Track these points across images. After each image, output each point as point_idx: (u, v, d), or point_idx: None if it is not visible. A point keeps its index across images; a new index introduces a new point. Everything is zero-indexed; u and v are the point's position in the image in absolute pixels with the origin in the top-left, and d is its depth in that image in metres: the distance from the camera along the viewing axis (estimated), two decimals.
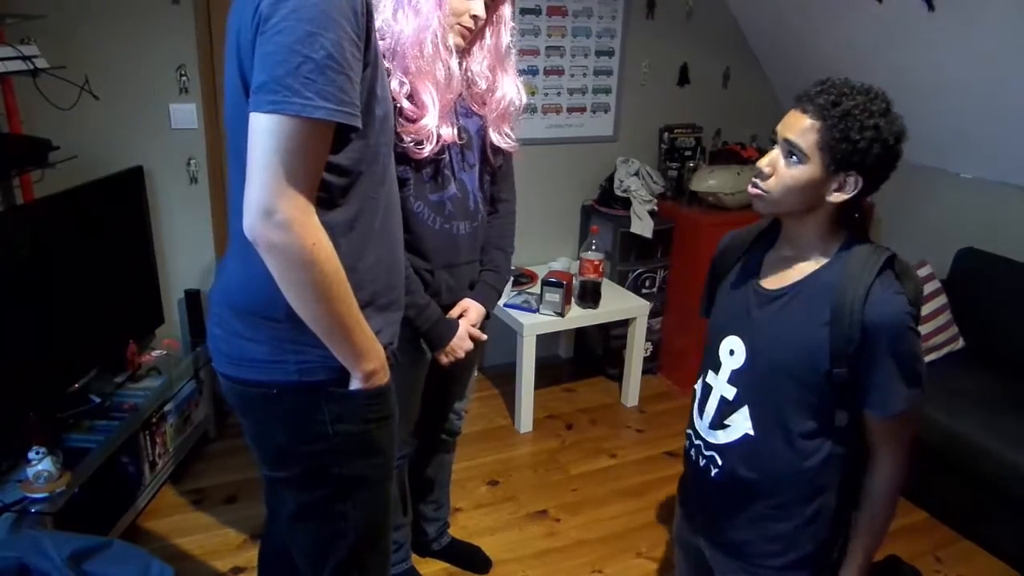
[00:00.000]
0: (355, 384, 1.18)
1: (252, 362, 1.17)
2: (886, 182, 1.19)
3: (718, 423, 1.32)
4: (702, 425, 1.35)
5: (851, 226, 1.23)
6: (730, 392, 1.30)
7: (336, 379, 1.18)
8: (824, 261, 1.21)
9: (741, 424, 1.28)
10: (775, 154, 1.19)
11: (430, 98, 1.50)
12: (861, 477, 1.26)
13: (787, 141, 1.16)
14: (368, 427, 1.24)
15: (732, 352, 1.30)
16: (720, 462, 1.31)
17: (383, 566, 1.40)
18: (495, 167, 1.75)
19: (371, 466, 1.27)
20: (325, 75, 0.99)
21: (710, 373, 1.35)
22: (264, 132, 0.99)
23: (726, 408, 1.30)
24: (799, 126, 1.14)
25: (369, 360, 1.17)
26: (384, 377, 1.21)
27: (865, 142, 1.10)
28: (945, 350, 2.82)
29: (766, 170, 1.19)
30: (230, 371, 1.21)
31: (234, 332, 1.19)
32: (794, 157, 1.16)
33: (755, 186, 1.21)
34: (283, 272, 1.06)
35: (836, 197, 1.17)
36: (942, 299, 2.84)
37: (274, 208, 1.00)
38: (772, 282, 1.27)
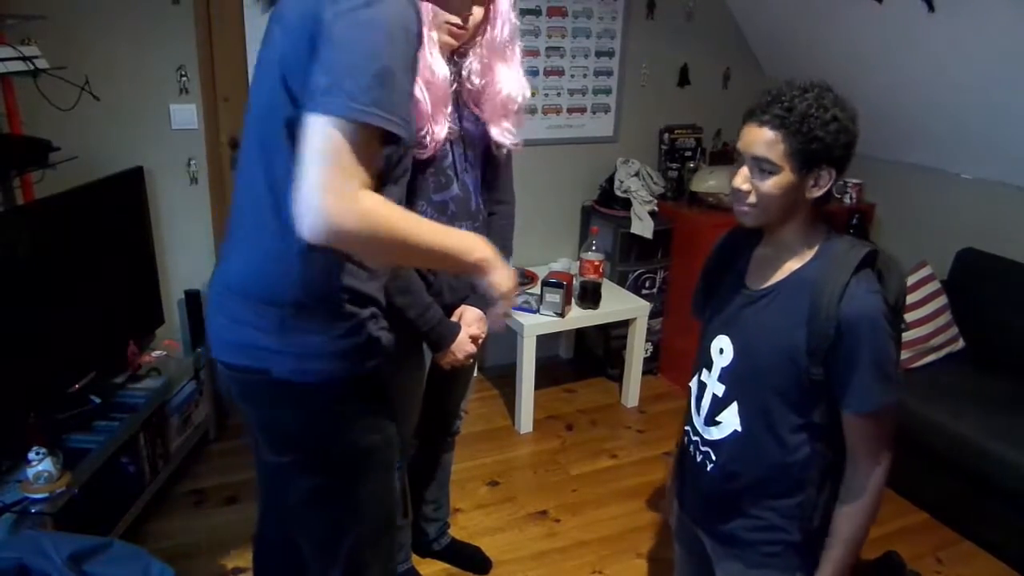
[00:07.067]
0: (484, 284, 1.19)
1: (256, 348, 1.18)
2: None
3: (711, 420, 1.35)
4: (699, 422, 1.39)
5: (829, 218, 1.27)
6: (720, 389, 1.34)
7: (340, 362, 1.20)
8: (807, 257, 1.25)
9: (731, 421, 1.32)
10: (747, 171, 1.21)
11: (422, 95, 1.51)
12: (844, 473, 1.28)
13: (756, 158, 1.19)
14: (371, 407, 1.26)
15: (722, 351, 1.34)
16: (715, 457, 1.35)
17: (391, 548, 1.44)
18: (498, 165, 1.75)
19: (376, 447, 1.30)
20: (384, 86, 1.01)
21: (704, 371, 1.39)
22: (321, 134, 1.00)
23: (717, 405, 1.34)
24: (762, 140, 1.17)
25: (475, 249, 1.18)
26: (499, 263, 1.21)
27: (831, 136, 1.15)
28: (945, 350, 2.82)
29: (744, 187, 1.22)
30: (233, 359, 1.22)
31: (238, 319, 1.19)
32: (766, 171, 1.18)
33: (739, 203, 1.24)
34: (363, 251, 1.10)
35: (815, 192, 1.21)
36: (942, 299, 2.84)
37: (327, 205, 1.00)
38: (757, 281, 1.31)
